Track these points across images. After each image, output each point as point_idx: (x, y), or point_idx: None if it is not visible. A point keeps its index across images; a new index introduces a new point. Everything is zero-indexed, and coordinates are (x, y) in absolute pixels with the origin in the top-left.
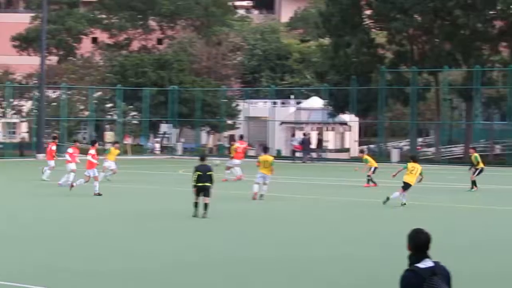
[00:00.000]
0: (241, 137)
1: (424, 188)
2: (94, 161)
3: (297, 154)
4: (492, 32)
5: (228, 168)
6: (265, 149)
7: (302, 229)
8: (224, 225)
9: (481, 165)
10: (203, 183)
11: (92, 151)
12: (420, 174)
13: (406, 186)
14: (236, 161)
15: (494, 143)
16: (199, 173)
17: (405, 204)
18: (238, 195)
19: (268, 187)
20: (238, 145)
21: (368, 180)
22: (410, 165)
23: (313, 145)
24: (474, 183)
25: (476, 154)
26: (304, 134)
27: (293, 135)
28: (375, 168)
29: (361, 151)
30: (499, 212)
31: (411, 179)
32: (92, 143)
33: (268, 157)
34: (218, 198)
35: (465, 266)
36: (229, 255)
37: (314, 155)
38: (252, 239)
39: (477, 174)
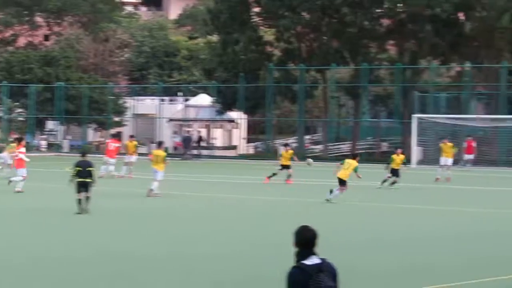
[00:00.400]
0: (114, 135)
1: (313, 186)
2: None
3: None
4: (379, 30)
5: (126, 164)
6: (159, 144)
7: (192, 227)
8: (113, 222)
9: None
10: (83, 179)
11: (23, 149)
12: (355, 171)
13: (340, 182)
14: (111, 160)
15: (381, 141)
16: (79, 168)
17: (329, 200)
18: (129, 192)
19: (159, 183)
20: (112, 144)
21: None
22: (347, 161)
23: (204, 142)
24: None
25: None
26: (187, 132)
27: (175, 132)
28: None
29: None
30: (388, 208)
31: (343, 174)
32: (19, 140)
33: (161, 152)
34: (108, 195)
35: (361, 263)
36: (116, 252)
37: (195, 152)
38: (140, 236)
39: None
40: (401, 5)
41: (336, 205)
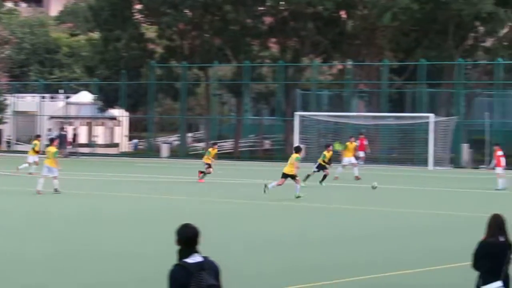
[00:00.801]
0: None
1: (193, 183)
2: None
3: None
4: (261, 28)
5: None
6: (51, 141)
7: (83, 226)
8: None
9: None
10: None
11: None
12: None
13: (283, 176)
14: None
15: (264, 138)
16: None
17: (299, 197)
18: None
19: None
20: None
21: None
22: (291, 157)
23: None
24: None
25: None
26: (62, 129)
27: (50, 129)
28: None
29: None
30: (272, 206)
31: (288, 169)
32: None
33: (52, 148)
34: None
35: (240, 262)
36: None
37: (71, 150)
38: (24, 235)
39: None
40: (283, 3)
41: (226, 204)
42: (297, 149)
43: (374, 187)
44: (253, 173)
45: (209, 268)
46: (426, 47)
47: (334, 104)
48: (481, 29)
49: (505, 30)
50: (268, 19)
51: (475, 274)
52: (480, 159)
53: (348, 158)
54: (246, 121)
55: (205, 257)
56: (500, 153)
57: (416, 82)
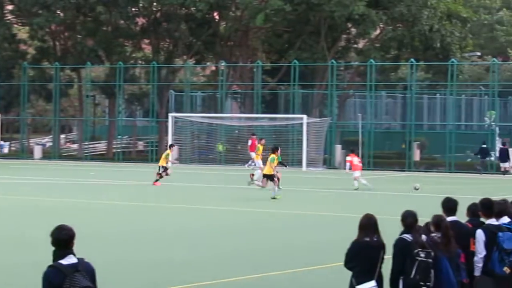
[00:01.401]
0: None
1: (66, 185)
2: None
3: None
4: (134, 29)
5: None
6: None
7: None
8: None
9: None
10: None
11: None
12: (271, 161)
13: (264, 176)
14: None
15: (138, 140)
16: None
17: (275, 198)
18: None
19: None
20: None
21: None
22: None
23: None
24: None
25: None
26: None
27: None
28: None
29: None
30: (136, 207)
31: (266, 170)
32: None
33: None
34: None
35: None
36: None
37: None
38: None
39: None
40: (156, 4)
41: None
42: (273, 150)
43: (416, 189)
44: (126, 174)
45: (84, 269)
46: (299, 48)
47: (207, 105)
48: (353, 30)
49: (377, 32)
50: (141, 20)
51: (345, 274)
52: None
53: (259, 161)
54: (120, 122)
55: (80, 259)
56: (349, 158)
57: (289, 84)
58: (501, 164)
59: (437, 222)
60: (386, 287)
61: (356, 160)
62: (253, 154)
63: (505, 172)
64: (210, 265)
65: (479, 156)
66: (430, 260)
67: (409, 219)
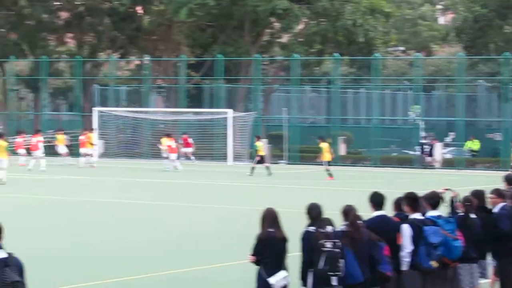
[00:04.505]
0: None
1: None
2: None
3: None
4: (58, 23)
5: None
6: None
7: None
8: None
9: (262, 152)
10: None
11: None
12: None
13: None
14: None
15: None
16: None
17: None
18: None
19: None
20: None
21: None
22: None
23: None
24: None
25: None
26: None
27: None
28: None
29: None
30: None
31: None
32: None
33: (3, 142)
34: None
35: None
36: None
37: None
38: None
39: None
40: None
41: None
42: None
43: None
44: (51, 169)
45: (14, 264)
46: (223, 42)
47: (132, 100)
48: (277, 25)
49: (300, 27)
50: (64, 14)
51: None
52: (279, 154)
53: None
54: (44, 116)
55: (9, 253)
56: (168, 142)
57: (213, 78)
58: (426, 158)
59: (346, 211)
60: (295, 279)
61: (174, 144)
62: (190, 149)
63: (429, 166)
64: None
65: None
66: (337, 250)
67: (314, 211)
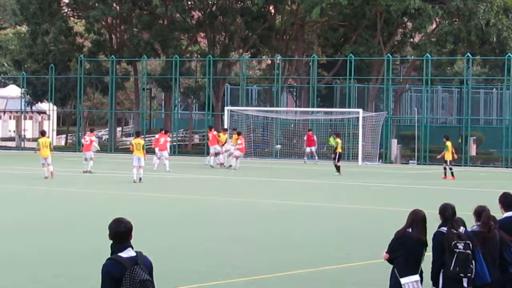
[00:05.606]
0: None
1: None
2: None
3: None
4: (190, 23)
5: None
6: (43, 133)
7: None
8: None
9: (339, 149)
10: None
11: None
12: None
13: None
14: None
15: (193, 133)
16: None
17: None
18: None
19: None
20: None
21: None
22: None
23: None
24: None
25: (338, 139)
26: None
27: None
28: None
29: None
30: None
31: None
32: None
33: (47, 139)
34: None
35: None
36: None
37: None
38: None
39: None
40: None
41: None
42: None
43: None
44: (184, 169)
45: (143, 263)
46: (354, 42)
47: (263, 99)
48: (409, 24)
49: (433, 26)
50: (196, 14)
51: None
52: (409, 154)
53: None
54: (175, 115)
55: (138, 252)
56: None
57: (345, 78)
58: None
59: (479, 212)
60: (427, 280)
61: (162, 140)
62: (311, 149)
63: None
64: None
65: None
66: (468, 251)
67: (447, 212)
